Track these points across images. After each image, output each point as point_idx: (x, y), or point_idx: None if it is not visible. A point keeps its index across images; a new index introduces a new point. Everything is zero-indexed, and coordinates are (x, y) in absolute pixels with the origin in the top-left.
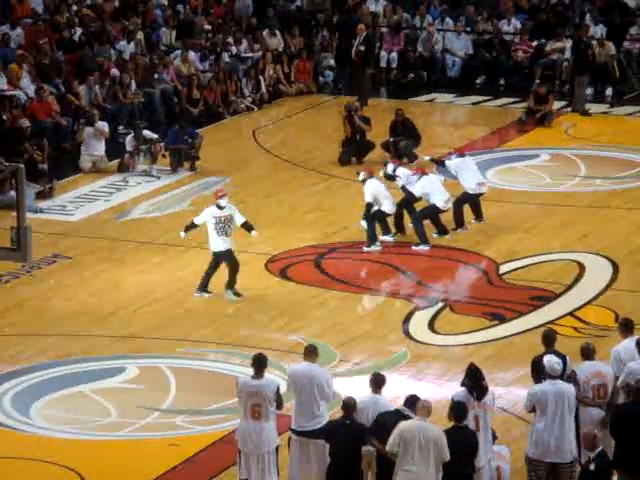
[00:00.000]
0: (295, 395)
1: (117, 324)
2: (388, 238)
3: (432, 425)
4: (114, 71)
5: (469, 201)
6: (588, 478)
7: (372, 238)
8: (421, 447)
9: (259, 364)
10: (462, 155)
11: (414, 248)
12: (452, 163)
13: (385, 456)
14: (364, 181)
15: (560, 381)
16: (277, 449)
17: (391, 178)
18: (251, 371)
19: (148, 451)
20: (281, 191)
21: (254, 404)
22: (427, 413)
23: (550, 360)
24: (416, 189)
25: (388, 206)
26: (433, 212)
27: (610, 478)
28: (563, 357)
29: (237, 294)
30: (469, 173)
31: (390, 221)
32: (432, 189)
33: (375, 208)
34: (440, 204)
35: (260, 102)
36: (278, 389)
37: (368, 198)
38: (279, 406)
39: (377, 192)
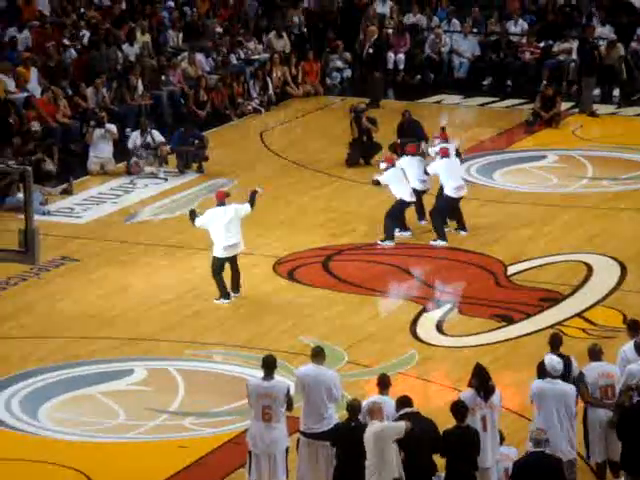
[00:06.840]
0: (303, 397)
1: (125, 326)
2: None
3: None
4: None
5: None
6: None
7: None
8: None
9: (269, 365)
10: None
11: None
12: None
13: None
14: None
15: (560, 381)
16: (287, 450)
17: (376, 183)
18: (260, 373)
19: (157, 453)
20: (289, 193)
21: (265, 406)
22: (376, 415)
23: (551, 359)
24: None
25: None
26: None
27: None
28: (567, 359)
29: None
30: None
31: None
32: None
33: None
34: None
35: (267, 104)
36: (289, 390)
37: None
38: (289, 407)
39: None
